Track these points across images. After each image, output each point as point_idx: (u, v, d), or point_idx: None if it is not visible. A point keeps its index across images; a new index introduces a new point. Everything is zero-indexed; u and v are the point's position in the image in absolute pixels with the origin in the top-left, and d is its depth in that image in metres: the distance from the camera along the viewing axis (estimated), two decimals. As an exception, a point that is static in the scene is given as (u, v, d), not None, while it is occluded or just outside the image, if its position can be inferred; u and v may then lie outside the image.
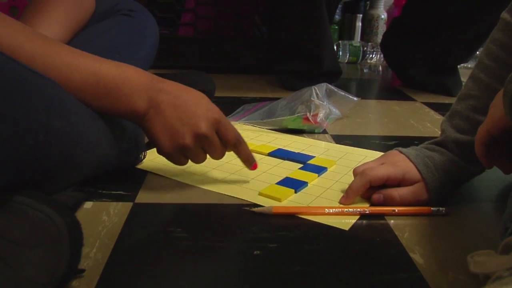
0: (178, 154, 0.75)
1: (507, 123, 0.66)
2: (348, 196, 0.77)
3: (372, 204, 0.76)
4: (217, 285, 0.56)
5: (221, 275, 0.58)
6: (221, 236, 0.66)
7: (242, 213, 0.74)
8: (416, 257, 0.63)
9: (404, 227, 0.70)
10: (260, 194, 0.80)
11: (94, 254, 0.60)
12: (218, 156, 0.78)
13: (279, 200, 0.77)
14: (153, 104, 0.71)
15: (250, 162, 0.81)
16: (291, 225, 0.70)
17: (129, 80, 0.69)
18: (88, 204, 0.74)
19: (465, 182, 0.82)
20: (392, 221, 0.72)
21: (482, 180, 0.89)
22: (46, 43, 0.65)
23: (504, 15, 0.77)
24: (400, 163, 0.78)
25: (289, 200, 0.78)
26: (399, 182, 0.77)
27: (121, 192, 0.79)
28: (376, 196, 0.77)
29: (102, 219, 0.70)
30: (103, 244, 0.63)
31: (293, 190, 0.81)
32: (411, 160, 0.78)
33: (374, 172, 0.77)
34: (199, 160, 0.77)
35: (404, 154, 0.79)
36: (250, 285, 0.56)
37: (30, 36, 0.64)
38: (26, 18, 0.88)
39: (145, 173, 0.87)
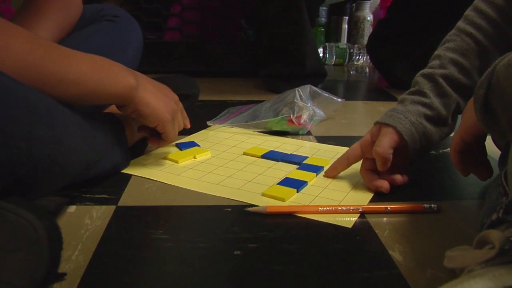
0: (172, 119, 0.86)
1: (479, 129, 0.67)
2: (328, 172, 0.89)
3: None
4: (198, 286, 0.57)
5: (201, 275, 0.59)
6: (202, 237, 0.67)
7: (223, 214, 0.74)
8: (396, 254, 0.64)
9: (384, 225, 0.71)
10: (263, 195, 0.80)
11: (76, 257, 0.61)
12: (185, 120, 0.94)
13: (283, 200, 0.78)
14: (138, 79, 0.78)
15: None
16: (271, 225, 0.71)
17: (114, 63, 0.76)
18: (71, 208, 0.74)
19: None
20: (372, 219, 0.73)
21: (465, 179, 0.90)
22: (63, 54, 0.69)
23: None
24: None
25: (290, 201, 0.79)
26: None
27: (105, 196, 0.79)
28: (385, 186, 0.82)
29: (85, 223, 0.70)
30: (85, 247, 0.63)
31: (295, 189, 0.82)
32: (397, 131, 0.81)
33: (349, 150, 0.87)
34: (179, 127, 0.91)
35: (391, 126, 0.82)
36: (231, 285, 0.57)
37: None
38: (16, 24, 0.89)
39: (129, 176, 0.87)
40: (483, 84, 0.57)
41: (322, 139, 1.13)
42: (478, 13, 0.82)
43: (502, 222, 0.54)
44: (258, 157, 0.99)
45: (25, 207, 0.50)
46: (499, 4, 0.80)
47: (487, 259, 0.44)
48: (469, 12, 0.84)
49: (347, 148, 0.99)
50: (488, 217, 0.57)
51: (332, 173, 0.89)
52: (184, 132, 0.98)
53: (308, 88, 1.20)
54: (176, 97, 0.90)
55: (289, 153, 1.01)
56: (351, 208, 0.75)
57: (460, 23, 0.85)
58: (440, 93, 0.83)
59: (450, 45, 0.84)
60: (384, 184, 0.81)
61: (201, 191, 0.82)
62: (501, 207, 0.55)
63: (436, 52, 0.86)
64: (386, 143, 0.80)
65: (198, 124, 1.18)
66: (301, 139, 1.13)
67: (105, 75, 0.73)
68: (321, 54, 2.24)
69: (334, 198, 0.80)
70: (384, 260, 0.62)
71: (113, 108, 0.94)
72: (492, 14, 0.80)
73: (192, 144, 1.03)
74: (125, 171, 0.89)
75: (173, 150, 1.00)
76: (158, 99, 0.82)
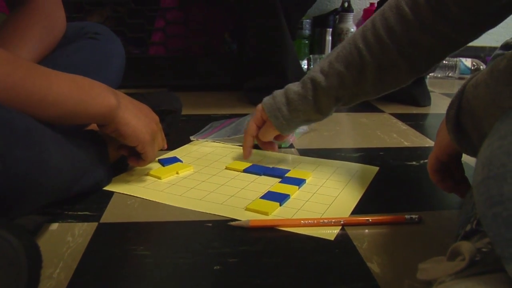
0: (152, 140, 0.87)
1: (454, 148, 0.68)
2: (245, 153, 1.03)
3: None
4: (177, 301, 0.57)
5: (181, 291, 0.59)
6: (182, 252, 0.68)
7: (204, 229, 0.75)
8: (374, 266, 0.64)
9: (363, 238, 0.72)
10: (247, 209, 0.81)
11: (57, 275, 0.61)
12: (163, 141, 0.96)
13: (266, 214, 0.79)
14: (119, 99, 0.79)
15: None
16: (252, 239, 0.72)
17: (96, 83, 0.77)
18: (53, 226, 0.75)
19: None
20: (352, 231, 0.74)
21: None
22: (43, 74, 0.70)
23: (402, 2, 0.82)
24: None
25: (273, 214, 0.80)
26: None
27: (87, 213, 0.79)
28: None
29: (66, 240, 0.70)
30: (67, 265, 0.64)
31: (278, 203, 0.83)
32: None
33: (248, 129, 1.01)
34: (158, 146, 0.93)
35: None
36: (210, 300, 0.58)
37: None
38: None
39: (111, 193, 0.88)
40: (453, 105, 0.58)
41: (304, 152, 1.14)
42: (372, 27, 0.84)
43: (475, 232, 0.55)
44: (240, 172, 1.00)
45: (3, 226, 0.51)
46: (390, 24, 0.82)
47: (457, 270, 0.45)
48: (368, 22, 0.86)
49: (329, 160, 1.01)
50: (463, 228, 0.58)
51: (248, 154, 1.03)
52: (167, 146, 0.99)
53: (290, 101, 1.21)
54: (157, 118, 0.91)
55: (271, 166, 1.02)
56: (333, 220, 0.76)
57: (357, 33, 0.87)
58: (316, 99, 0.94)
59: (341, 53, 0.88)
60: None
61: (184, 207, 0.82)
62: (475, 218, 0.56)
63: (329, 56, 0.91)
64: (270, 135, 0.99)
65: (181, 139, 1.19)
66: (283, 152, 1.13)
67: (86, 95, 0.73)
68: (305, 66, 2.25)
69: (316, 211, 0.81)
70: (362, 272, 0.63)
71: (94, 125, 0.94)
72: (382, 32, 0.82)
73: (175, 160, 1.04)
74: (107, 188, 0.90)
75: (155, 166, 1.01)
76: (138, 120, 0.83)
